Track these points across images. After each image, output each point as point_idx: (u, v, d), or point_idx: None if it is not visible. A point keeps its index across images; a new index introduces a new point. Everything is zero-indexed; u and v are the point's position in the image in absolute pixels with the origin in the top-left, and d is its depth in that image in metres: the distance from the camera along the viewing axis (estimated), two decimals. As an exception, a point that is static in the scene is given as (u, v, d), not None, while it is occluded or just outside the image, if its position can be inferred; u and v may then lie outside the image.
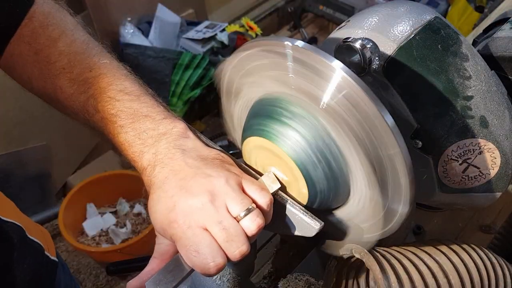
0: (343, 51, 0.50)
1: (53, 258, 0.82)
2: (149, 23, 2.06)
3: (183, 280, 0.51)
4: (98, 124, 0.56)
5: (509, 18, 0.67)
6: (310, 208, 0.54)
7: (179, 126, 0.53)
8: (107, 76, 0.57)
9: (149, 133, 0.52)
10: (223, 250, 0.47)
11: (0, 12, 0.59)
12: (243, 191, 0.50)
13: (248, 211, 0.48)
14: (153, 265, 0.55)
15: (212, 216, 0.47)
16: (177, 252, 0.52)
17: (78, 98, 0.58)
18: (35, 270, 0.76)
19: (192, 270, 0.50)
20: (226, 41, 2.06)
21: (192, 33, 2.09)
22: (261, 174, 0.55)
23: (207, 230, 0.47)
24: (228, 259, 0.48)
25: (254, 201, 0.49)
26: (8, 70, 0.65)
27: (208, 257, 0.47)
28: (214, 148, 0.55)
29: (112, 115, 0.54)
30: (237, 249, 0.48)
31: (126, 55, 1.92)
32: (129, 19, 2.01)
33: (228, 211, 0.48)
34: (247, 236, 0.48)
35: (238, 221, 0.48)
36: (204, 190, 0.48)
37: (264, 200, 0.50)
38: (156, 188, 0.50)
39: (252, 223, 0.48)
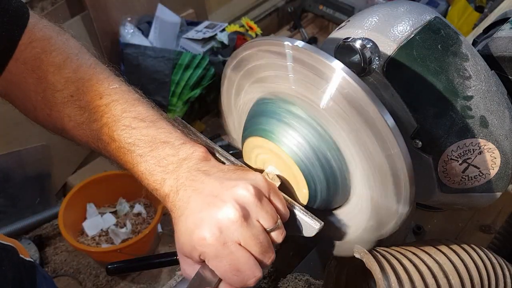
0: (343, 51, 0.50)
1: (29, 259, 0.79)
2: (149, 23, 2.06)
3: None
4: (114, 153, 0.54)
5: (509, 18, 0.67)
6: (310, 208, 0.54)
7: (199, 150, 0.52)
8: (120, 103, 0.55)
9: (169, 160, 0.51)
10: (258, 261, 0.48)
11: None
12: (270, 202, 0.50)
13: (278, 225, 0.49)
14: None
15: (246, 229, 0.46)
16: None
17: (90, 127, 0.56)
18: (14, 272, 0.74)
19: (219, 282, 0.49)
20: (226, 41, 2.06)
21: (192, 33, 2.09)
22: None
23: (241, 245, 0.47)
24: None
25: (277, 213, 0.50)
26: (10, 98, 0.62)
27: (249, 274, 0.47)
28: (235, 163, 0.54)
29: (129, 144, 0.53)
30: (270, 258, 0.49)
31: (126, 55, 1.92)
32: (129, 19, 2.01)
33: (260, 224, 0.48)
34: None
35: (268, 233, 0.49)
36: (234, 203, 0.46)
37: (285, 217, 0.51)
38: (182, 210, 0.48)
39: (280, 236, 0.50)
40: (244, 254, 0.47)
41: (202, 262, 0.49)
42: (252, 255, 0.47)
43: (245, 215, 0.46)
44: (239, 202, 0.46)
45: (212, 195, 0.47)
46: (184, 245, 0.48)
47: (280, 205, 0.50)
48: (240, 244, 0.47)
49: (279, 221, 0.49)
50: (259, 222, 0.48)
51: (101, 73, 0.58)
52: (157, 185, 0.51)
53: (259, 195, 0.48)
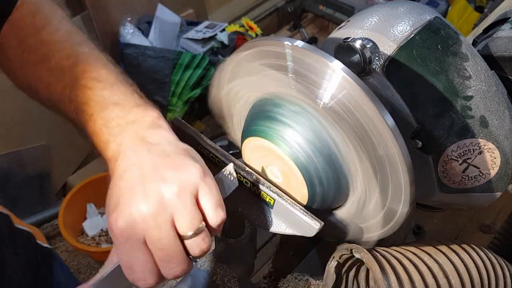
0: (343, 51, 0.50)
1: (46, 245, 0.80)
2: (149, 23, 2.06)
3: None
4: (73, 115, 0.53)
5: (509, 18, 0.67)
6: (310, 208, 0.54)
7: (151, 114, 0.49)
8: (83, 64, 0.54)
9: (116, 122, 0.49)
10: (157, 268, 0.44)
11: None
12: (198, 202, 0.45)
13: (197, 231, 0.44)
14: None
15: (153, 230, 0.43)
16: None
17: (56, 88, 0.55)
18: (30, 258, 0.75)
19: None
20: (226, 41, 2.06)
21: (192, 33, 2.08)
22: (260, 174, 0.55)
23: (145, 244, 0.43)
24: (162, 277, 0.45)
25: (205, 218, 0.45)
26: None
27: (140, 276, 0.44)
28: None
29: (82, 103, 0.51)
30: (171, 270, 0.44)
31: (126, 55, 1.92)
32: (129, 19, 2.01)
33: (174, 227, 0.43)
34: (188, 255, 0.45)
35: (183, 240, 0.44)
36: (153, 198, 0.43)
37: (215, 220, 0.45)
38: (114, 182, 0.46)
39: (197, 246, 0.44)
40: (141, 256, 0.43)
41: None
42: (153, 259, 0.44)
43: (157, 216, 0.42)
44: (158, 200, 0.43)
45: (141, 180, 0.44)
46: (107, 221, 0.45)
47: (209, 208, 0.45)
48: (145, 243, 0.43)
49: (202, 225, 0.44)
50: (172, 225, 0.43)
51: (75, 38, 0.58)
52: (102, 148, 0.50)
53: (182, 195, 0.43)
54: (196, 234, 0.44)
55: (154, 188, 0.43)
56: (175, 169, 0.44)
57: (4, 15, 0.58)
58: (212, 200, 0.45)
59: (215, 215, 0.45)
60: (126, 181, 0.45)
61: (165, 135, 0.48)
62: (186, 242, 0.44)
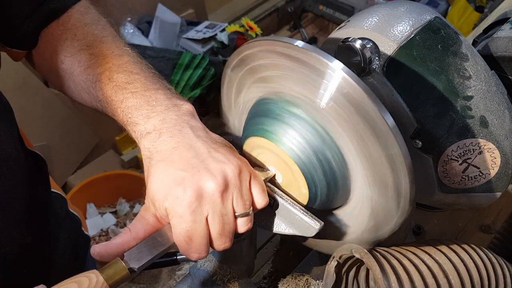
0: (343, 51, 0.50)
1: (87, 233, 0.84)
2: (149, 23, 2.06)
3: (162, 253, 0.50)
4: (107, 93, 0.56)
5: (509, 18, 0.67)
6: (310, 208, 0.54)
7: (189, 106, 0.53)
8: (129, 57, 0.59)
9: (159, 102, 0.52)
10: (211, 241, 0.48)
11: None
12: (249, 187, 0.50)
13: (248, 211, 0.49)
14: (125, 238, 0.50)
15: (219, 206, 0.47)
16: (154, 232, 0.51)
17: (95, 70, 0.59)
18: (74, 243, 0.79)
19: (169, 248, 0.50)
20: (226, 41, 2.06)
21: (192, 33, 2.09)
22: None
23: (207, 219, 0.47)
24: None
25: (252, 200, 0.50)
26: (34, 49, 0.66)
27: (197, 248, 0.48)
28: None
29: (125, 83, 0.55)
30: (224, 244, 0.49)
31: (126, 55, 1.93)
32: (129, 19, 2.01)
33: (232, 206, 0.48)
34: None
35: (236, 218, 0.49)
36: (219, 176, 0.46)
37: (261, 203, 0.50)
38: (163, 156, 0.48)
39: (244, 226, 0.50)
40: (203, 229, 0.47)
41: (160, 218, 0.50)
42: (210, 234, 0.48)
43: (223, 193, 0.47)
44: (224, 179, 0.47)
45: (198, 159, 0.47)
46: (156, 193, 0.48)
47: (257, 193, 0.50)
48: (206, 218, 0.47)
49: (251, 210, 0.49)
50: (232, 203, 0.48)
51: (119, 40, 0.62)
52: (140, 120, 0.51)
53: (241, 177, 0.48)
54: (247, 214, 0.49)
55: (217, 168, 0.47)
56: (228, 155, 0.49)
57: (56, 15, 0.63)
58: (259, 186, 0.50)
59: (261, 199, 0.50)
60: (184, 158, 0.47)
61: (202, 126, 0.52)
62: (238, 220, 0.49)
